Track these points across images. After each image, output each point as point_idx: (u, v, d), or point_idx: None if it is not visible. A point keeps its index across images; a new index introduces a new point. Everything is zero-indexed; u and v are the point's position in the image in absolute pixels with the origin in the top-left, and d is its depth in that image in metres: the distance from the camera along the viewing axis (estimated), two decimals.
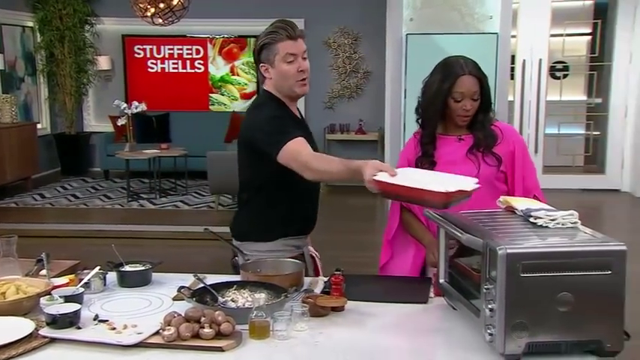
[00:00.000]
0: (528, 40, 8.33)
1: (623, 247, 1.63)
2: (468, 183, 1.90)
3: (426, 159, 2.34)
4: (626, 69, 8.24)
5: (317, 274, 2.49)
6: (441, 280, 2.02)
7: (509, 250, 1.59)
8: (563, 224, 1.80)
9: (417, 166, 2.34)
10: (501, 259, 1.58)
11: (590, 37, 8.60)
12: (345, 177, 2.09)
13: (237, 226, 2.46)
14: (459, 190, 1.76)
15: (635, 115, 8.19)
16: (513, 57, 8.18)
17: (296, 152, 2.17)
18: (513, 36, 8.00)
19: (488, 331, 1.64)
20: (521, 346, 1.61)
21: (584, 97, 8.74)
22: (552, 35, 8.31)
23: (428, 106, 2.32)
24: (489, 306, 1.63)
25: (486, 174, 2.27)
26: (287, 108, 2.37)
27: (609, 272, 1.61)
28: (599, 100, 8.64)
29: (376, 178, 1.90)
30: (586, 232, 1.77)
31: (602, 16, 8.44)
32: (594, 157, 8.78)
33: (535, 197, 2.22)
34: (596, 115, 8.60)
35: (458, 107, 2.26)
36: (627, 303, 1.64)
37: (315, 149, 2.28)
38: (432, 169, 2.31)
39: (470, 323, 1.81)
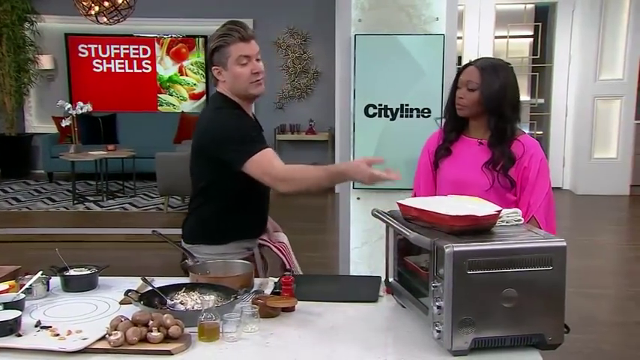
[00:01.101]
0: (474, 41, 8.51)
1: (563, 244, 1.68)
2: (485, 209, 1.79)
3: (443, 145, 2.37)
4: (566, 70, 8.53)
5: (284, 267, 2.48)
6: (391, 279, 2.04)
7: (455, 248, 1.62)
8: (507, 222, 1.85)
9: (435, 155, 2.39)
10: (448, 257, 1.61)
11: (532, 39, 8.85)
12: (324, 182, 2.12)
13: (189, 229, 2.43)
14: (470, 216, 1.71)
15: (575, 115, 8.48)
16: (460, 58, 8.35)
17: (268, 165, 2.15)
18: (460, 37, 8.17)
19: (436, 328, 1.67)
20: (467, 342, 1.64)
21: (527, 98, 8.99)
22: (497, 37, 8.52)
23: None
24: (437, 303, 1.66)
25: (496, 189, 2.26)
26: (244, 112, 2.34)
27: (551, 268, 1.66)
28: (541, 101, 8.91)
29: (399, 202, 1.91)
30: (529, 230, 1.83)
31: (543, 19, 8.70)
32: None
33: (533, 217, 2.21)
34: (539, 115, 8.86)
35: (457, 95, 2.31)
36: (567, 297, 1.69)
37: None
38: (446, 157, 2.35)
39: (419, 321, 1.83)
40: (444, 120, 2.45)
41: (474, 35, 8.51)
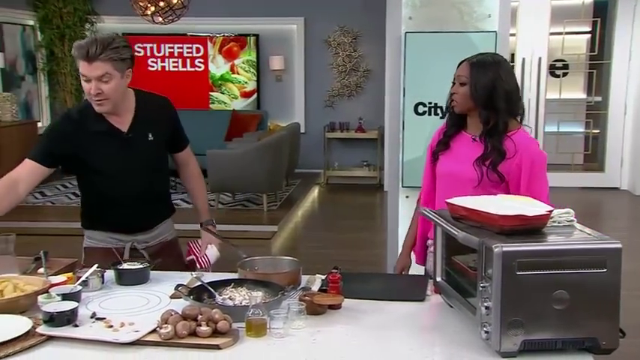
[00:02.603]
0: (528, 38, 8.33)
1: (619, 245, 1.64)
2: (534, 208, 1.77)
3: (443, 140, 2.38)
4: (626, 67, 8.25)
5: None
6: (438, 279, 2.03)
7: (504, 249, 1.59)
8: (559, 222, 1.80)
9: (436, 148, 2.40)
10: (497, 257, 1.59)
11: (589, 36, 8.60)
12: None
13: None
14: (520, 216, 1.68)
15: (634, 114, 8.20)
16: (513, 55, 8.20)
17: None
18: (513, 34, 8.02)
19: (485, 329, 1.65)
20: (516, 343, 1.62)
21: (583, 96, 8.76)
22: (552, 34, 8.32)
23: None
24: (485, 304, 1.64)
25: (484, 184, 2.25)
26: (99, 120, 2.40)
27: (605, 270, 1.62)
28: (598, 99, 8.66)
29: (448, 201, 1.92)
30: (582, 230, 1.78)
31: (602, 15, 8.45)
32: (594, 155, 8.81)
33: None
34: (595, 114, 8.62)
35: (451, 90, 2.33)
36: (623, 300, 1.65)
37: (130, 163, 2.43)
38: (445, 152, 2.36)
39: (466, 321, 1.81)
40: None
41: (528, 32, 8.33)
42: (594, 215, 7.16)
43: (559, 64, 8.58)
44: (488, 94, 2.23)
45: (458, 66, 2.32)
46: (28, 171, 2.36)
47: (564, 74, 8.60)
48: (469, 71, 2.25)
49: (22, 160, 2.41)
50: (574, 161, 8.66)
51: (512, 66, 8.13)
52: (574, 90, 8.74)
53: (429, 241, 2.43)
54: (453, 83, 2.32)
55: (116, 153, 2.42)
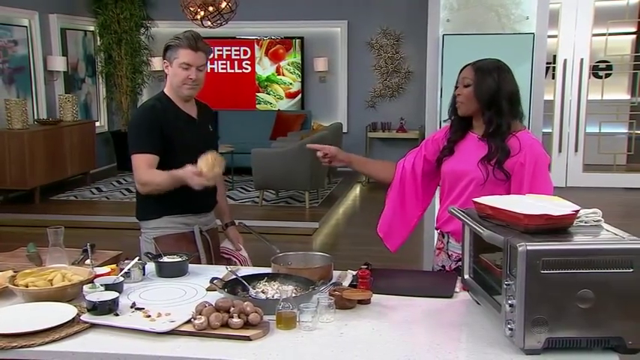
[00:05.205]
0: (570, 39, 8.21)
1: None
2: (561, 208, 1.78)
3: (448, 145, 2.43)
4: None
5: (215, 258, 2.77)
6: (466, 276, 2.05)
7: (529, 247, 1.61)
8: (586, 222, 1.81)
9: (440, 153, 2.44)
10: (521, 256, 1.61)
11: (634, 36, 8.41)
12: (169, 185, 2.50)
13: (136, 208, 2.76)
14: (545, 215, 1.70)
15: None
16: (554, 57, 8.09)
17: (136, 166, 2.56)
18: (555, 36, 7.91)
19: (509, 326, 1.66)
20: (540, 341, 1.63)
21: (627, 96, 8.57)
22: (595, 35, 8.17)
23: None
24: (509, 301, 1.65)
25: (490, 182, 2.28)
26: (176, 108, 2.64)
27: (631, 270, 1.62)
28: None
29: (475, 200, 1.95)
30: (609, 230, 1.78)
31: None
32: (637, 156, 8.64)
33: None
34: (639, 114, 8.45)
35: (455, 93, 2.38)
36: None
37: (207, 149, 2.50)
38: (449, 156, 2.41)
39: (493, 318, 1.83)
40: (449, 121, 2.47)
41: (570, 33, 8.20)
42: (637, 216, 7.04)
43: (602, 65, 8.42)
44: (492, 94, 2.27)
45: (461, 70, 2.36)
46: (152, 164, 2.55)
47: (607, 75, 8.43)
48: (473, 73, 2.30)
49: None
50: (616, 162, 8.50)
51: (554, 67, 8.08)
52: (617, 91, 8.56)
53: (441, 237, 2.49)
54: (456, 87, 2.36)
55: (193, 134, 2.66)
